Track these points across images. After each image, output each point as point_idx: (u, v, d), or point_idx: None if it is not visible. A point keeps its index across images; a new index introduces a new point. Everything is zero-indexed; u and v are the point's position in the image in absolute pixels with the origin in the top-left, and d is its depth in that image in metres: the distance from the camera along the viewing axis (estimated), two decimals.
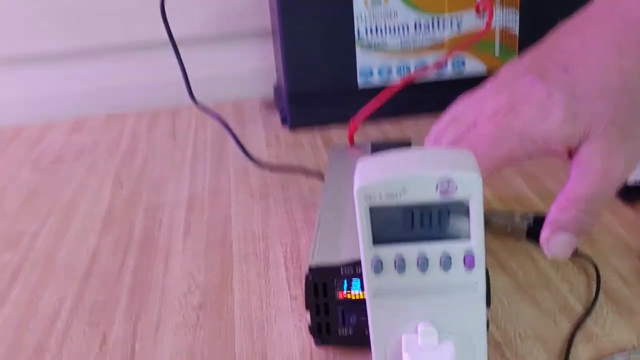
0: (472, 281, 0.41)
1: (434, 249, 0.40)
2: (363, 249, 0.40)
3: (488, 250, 0.41)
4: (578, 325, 0.50)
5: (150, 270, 0.63)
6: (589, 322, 0.50)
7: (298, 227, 0.68)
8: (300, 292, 0.57)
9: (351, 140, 0.68)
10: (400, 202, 0.39)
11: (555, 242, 0.44)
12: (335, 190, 0.57)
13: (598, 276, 0.54)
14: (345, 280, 0.47)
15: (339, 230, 0.51)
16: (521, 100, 0.42)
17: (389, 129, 0.91)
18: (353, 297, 0.47)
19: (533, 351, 0.48)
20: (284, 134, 0.93)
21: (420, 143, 0.61)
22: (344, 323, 0.48)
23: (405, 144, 0.65)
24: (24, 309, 0.59)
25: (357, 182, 0.39)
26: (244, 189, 0.77)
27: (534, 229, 0.61)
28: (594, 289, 0.53)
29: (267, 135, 0.93)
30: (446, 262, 0.40)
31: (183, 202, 0.76)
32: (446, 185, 0.38)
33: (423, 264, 0.40)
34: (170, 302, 0.57)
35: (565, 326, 0.50)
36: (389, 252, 0.41)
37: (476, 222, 0.39)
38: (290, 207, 0.72)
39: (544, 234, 0.44)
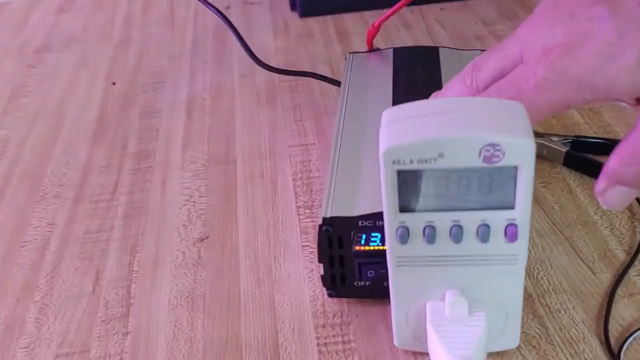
0: (512, 253, 0.35)
1: (470, 218, 0.35)
2: (387, 215, 0.35)
3: None
4: (620, 278, 0.45)
5: (146, 192, 0.58)
6: (633, 273, 0.45)
7: (309, 141, 0.62)
8: (311, 225, 0.52)
9: (370, 45, 0.60)
10: (435, 167, 0.33)
11: (612, 195, 0.38)
12: (353, 114, 0.51)
13: None
14: (364, 235, 0.42)
15: (358, 170, 0.45)
16: (583, 39, 0.35)
17: (410, 19, 0.82)
18: (372, 249, 0.42)
19: (569, 307, 0.44)
20: (294, 21, 0.84)
21: (448, 42, 0.53)
22: (360, 276, 0.43)
23: (432, 52, 0.57)
24: (10, 239, 0.54)
25: (384, 142, 0.33)
26: (249, 92, 0.70)
27: (573, 154, 0.55)
28: None
29: (274, 23, 0.84)
30: (484, 233, 0.35)
31: (182, 106, 0.69)
32: (491, 150, 0.32)
33: (457, 234, 0.35)
34: (169, 234, 0.53)
35: (606, 278, 0.46)
36: (417, 220, 0.35)
37: (524, 191, 0.33)
38: (300, 115, 0.66)
39: (601, 185, 0.38)
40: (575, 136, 0.57)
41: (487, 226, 0.34)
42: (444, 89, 0.43)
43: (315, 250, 0.43)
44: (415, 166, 0.33)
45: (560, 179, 0.54)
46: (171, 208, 0.56)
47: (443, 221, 0.35)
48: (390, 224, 0.35)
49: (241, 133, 0.64)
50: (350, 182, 0.43)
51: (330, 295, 0.45)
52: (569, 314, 0.43)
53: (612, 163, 0.37)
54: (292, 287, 0.47)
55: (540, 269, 0.46)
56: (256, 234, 0.52)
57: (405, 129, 0.33)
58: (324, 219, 0.41)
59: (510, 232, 0.34)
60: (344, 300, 0.46)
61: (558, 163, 0.56)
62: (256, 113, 0.67)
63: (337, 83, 0.63)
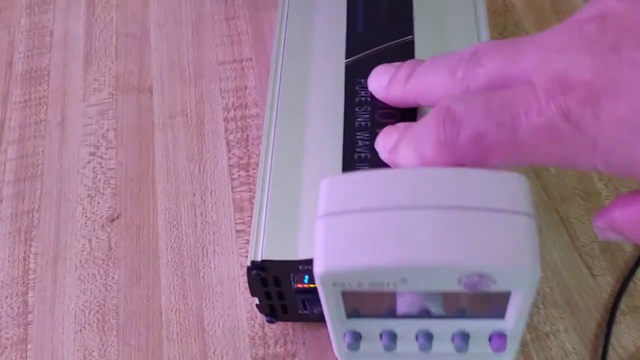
0: None
1: (443, 326, 0.26)
2: (331, 322, 0.26)
3: None
4: (625, 283, 0.38)
5: (40, 139, 0.47)
6: (639, 275, 0.38)
7: (244, 54, 0.50)
8: (247, 197, 0.43)
9: None
10: (395, 290, 0.23)
11: (611, 237, 0.30)
12: (292, 77, 0.39)
13: None
14: (306, 276, 0.33)
15: (297, 182, 0.34)
16: (619, 90, 0.24)
17: None
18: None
19: (560, 329, 0.37)
20: None
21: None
22: (305, 308, 0.36)
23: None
24: None
25: (320, 258, 0.23)
26: None
27: None
28: None
29: None
30: (461, 342, 0.26)
31: None
32: (476, 279, 0.23)
33: (424, 344, 0.26)
34: (71, 211, 0.44)
35: (607, 282, 0.38)
36: (371, 326, 0.26)
37: (519, 309, 0.24)
38: (233, 10, 0.53)
39: (600, 222, 0.30)
40: None
41: (466, 335, 0.26)
42: (424, 67, 0.32)
43: None
44: (366, 289, 0.23)
45: None
46: (72, 167, 0.46)
47: (406, 328, 0.26)
48: (335, 329, 0.26)
49: (157, 37, 0.51)
50: (288, 204, 0.33)
51: (270, 322, 0.37)
52: (559, 340, 0.36)
53: (618, 215, 0.28)
54: (225, 298, 0.39)
55: None
56: (179, 211, 0.43)
57: (350, 237, 0.23)
58: (253, 263, 0.32)
59: (497, 343, 0.26)
60: (289, 322, 0.38)
61: None
62: (176, 4, 0.54)
63: None
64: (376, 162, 0.33)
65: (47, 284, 0.41)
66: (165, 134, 0.46)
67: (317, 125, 0.36)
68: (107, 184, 0.44)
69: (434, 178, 0.24)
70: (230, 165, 0.44)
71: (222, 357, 0.37)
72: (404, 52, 0.39)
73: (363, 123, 0.36)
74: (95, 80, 0.50)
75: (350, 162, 0.34)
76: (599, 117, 0.24)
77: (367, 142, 0.35)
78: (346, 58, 0.39)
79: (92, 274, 0.41)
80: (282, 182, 0.34)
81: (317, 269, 0.23)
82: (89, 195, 0.44)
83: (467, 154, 0.27)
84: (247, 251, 0.38)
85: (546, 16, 0.49)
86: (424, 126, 0.29)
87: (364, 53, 0.39)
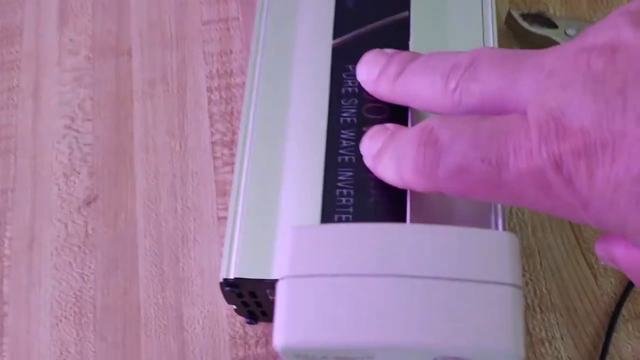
0: None
1: None
2: None
3: None
4: (629, 286, 0.36)
5: (13, 108, 0.45)
6: None
7: (230, 13, 0.47)
8: (231, 178, 0.41)
9: None
10: None
11: (611, 265, 0.28)
12: (272, 73, 0.36)
13: None
14: None
15: (274, 192, 0.32)
16: (618, 147, 0.21)
17: None
18: None
19: (556, 336, 0.36)
20: None
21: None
22: None
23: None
24: None
25: (281, 330, 0.21)
26: None
27: None
28: None
29: None
30: None
31: None
32: None
33: None
34: (47, 190, 0.42)
35: (610, 284, 0.36)
36: None
37: None
38: None
39: (601, 251, 0.28)
40: None
41: None
42: (416, 67, 0.29)
43: None
44: None
45: None
46: (47, 141, 0.43)
47: None
48: None
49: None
50: (265, 214, 0.31)
51: (250, 323, 0.36)
52: (555, 347, 0.35)
53: (622, 259, 0.26)
54: (205, 292, 0.38)
55: (526, 266, 0.37)
56: (159, 193, 0.41)
57: (315, 308, 0.21)
58: (226, 280, 0.30)
59: None
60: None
61: None
62: None
63: None
64: (360, 168, 0.31)
65: (22, 272, 0.39)
66: (145, 104, 0.44)
67: (298, 122, 0.33)
68: (84, 161, 0.42)
69: (409, 238, 0.21)
70: (212, 142, 0.42)
71: (202, 357, 0.36)
72: (399, 31, 0.35)
73: (349, 119, 0.33)
74: (70, 40, 0.47)
75: (333, 167, 0.32)
76: (593, 176, 0.21)
77: (352, 143, 0.32)
78: (334, 38, 0.35)
79: (68, 262, 0.39)
80: (258, 189, 0.32)
81: (277, 342, 0.21)
82: (64, 174, 0.42)
83: (447, 186, 0.25)
84: None
85: None
86: (408, 140, 0.26)
87: (354, 32, 0.35)
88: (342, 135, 0.32)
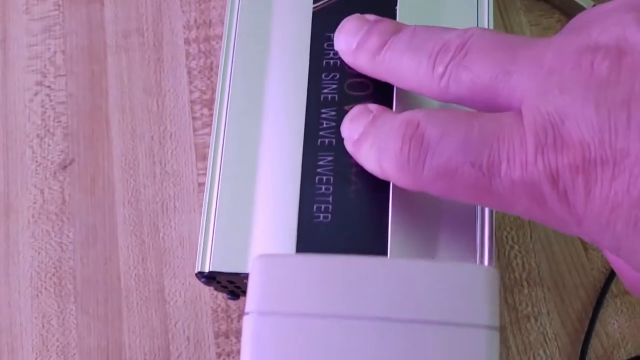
0: None
1: None
2: None
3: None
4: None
5: None
6: None
7: None
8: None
9: None
10: None
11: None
12: (247, 45, 0.33)
13: None
14: None
15: (251, 180, 0.31)
16: (621, 161, 0.19)
17: None
18: None
19: (542, 312, 0.35)
20: None
21: None
22: None
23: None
24: None
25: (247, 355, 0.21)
26: None
27: None
28: None
29: None
30: None
31: None
32: None
33: None
34: (20, 152, 0.41)
35: (601, 258, 0.36)
36: None
37: None
38: None
39: (608, 256, 0.27)
40: None
41: None
42: (399, 42, 0.27)
43: None
44: None
45: None
46: (18, 99, 0.42)
47: None
48: None
49: None
50: (241, 203, 0.30)
51: (231, 299, 0.36)
52: (541, 323, 0.35)
53: (613, 262, 0.26)
54: (187, 263, 0.38)
55: (516, 238, 0.36)
56: (136, 156, 0.40)
57: (281, 350, 0.20)
58: (201, 273, 0.30)
59: None
60: None
61: None
62: None
63: None
64: (341, 153, 0.30)
65: (0, 241, 0.39)
66: (119, 58, 0.42)
67: (275, 100, 0.32)
68: (58, 121, 0.41)
69: (382, 275, 0.20)
70: (191, 101, 0.40)
71: (184, 331, 0.36)
72: None
73: (329, 96, 0.31)
74: None
75: (312, 152, 0.30)
76: (590, 193, 0.20)
77: (333, 123, 0.31)
78: (314, 2, 0.33)
79: (46, 230, 0.39)
80: (234, 176, 0.30)
81: None
82: (38, 135, 0.41)
83: (432, 187, 0.24)
84: None
85: None
86: (391, 132, 0.25)
87: None
88: (322, 115, 0.31)
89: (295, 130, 0.31)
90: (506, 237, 0.36)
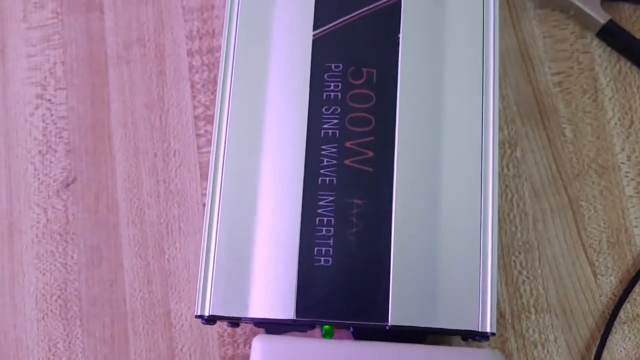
0: None
1: None
2: None
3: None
4: (629, 288, 0.37)
5: None
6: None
7: None
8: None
9: None
10: None
11: None
12: (246, 79, 0.35)
13: None
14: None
15: (250, 222, 0.33)
16: None
17: None
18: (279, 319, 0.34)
19: (549, 339, 0.37)
20: None
21: None
22: (268, 331, 0.36)
23: None
24: None
25: None
26: None
27: (616, 27, 0.39)
28: None
29: None
30: None
31: None
32: None
33: None
34: (22, 170, 0.42)
35: (609, 283, 0.37)
36: None
37: None
38: None
39: None
40: None
41: None
42: None
43: None
44: None
45: (585, 65, 0.40)
46: (19, 112, 0.44)
47: None
48: None
49: None
50: (240, 245, 0.32)
51: (231, 326, 0.38)
52: (548, 350, 0.37)
53: None
54: (192, 286, 0.40)
55: (524, 263, 0.38)
56: (140, 174, 0.42)
57: None
58: (201, 316, 0.32)
59: None
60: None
61: (589, 31, 0.40)
62: None
63: None
64: (342, 192, 0.31)
65: (4, 261, 0.41)
66: (120, 70, 0.43)
67: (275, 134, 0.33)
68: (60, 137, 0.42)
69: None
70: (195, 117, 0.42)
71: (190, 355, 0.38)
72: (388, 22, 0.34)
73: (330, 132, 0.33)
74: None
75: (313, 191, 0.32)
76: None
77: (334, 161, 0.32)
78: (315, 28, 0.34)
79: (51, 251, 0.41)
80: (233, 219, 0.32)
81: None
82: (40, 151, 0.42)
83: None
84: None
85: None
86: None
87: (337, 22, 0.34)
88: (323, 152, 0.32)
89: (296, 168, 0.32)
90: (514, 261, 0.37)
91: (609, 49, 0.39)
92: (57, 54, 0.43)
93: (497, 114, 0.32)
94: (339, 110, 0.32)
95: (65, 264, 0.40)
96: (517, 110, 0.39)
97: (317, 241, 0.31)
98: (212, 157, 0.32)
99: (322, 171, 0.32)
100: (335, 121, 0.32)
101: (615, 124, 0.38)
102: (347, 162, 0.31)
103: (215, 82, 0.42)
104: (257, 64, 0.34)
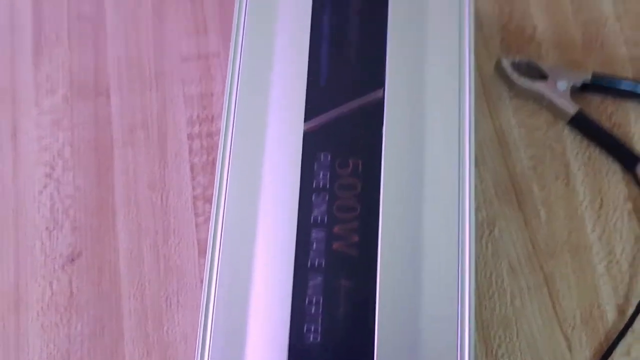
0: None
1: None
2: None
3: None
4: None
5: None
6: (619, 351, 0.40)
7: (210, 48, 0.48)
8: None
9: None
10: None
11: None
12: (242, 165, 0.38)
13: None
14: None
15: (244, 296, 0.35)
16: None
17: None
18: None
19: None
20: None
21: None
22: None
23: None
24: None
25: None
26: None
27: (586, 116, 0.43)
28: None
29: None
30: None
31: None
32: None
33: None
34: (30, 246, 0.45)
35: (584, 358, 0.40)
36: None
37: None
38: None
39: None
40: (597, 76, 0.43)
41: None
42: None
43: None
44: None
45: (558, 152, 0.43)
46: (28, 191, 0.47)
47: None
48: None
49: (113, 18, 0.49)
50: (233, 321, 0.35)
51: None
52: None
53: None
54: (189, 358, 0.42)
55: (503, 337, 0.40)
56: (141, 251, 0.44)
57: None
58: None
59: None
60: None
61: (561, 120, 0.44)
62: None
63: None
64: (330, 275, 0.34)
65: (9, 333, 0.44)
66: (125, 152, 0.46)
67: (268, 218, 0.36)
68: (66, 215, 0.45)
69: None
70: (194, 197, 0.45)
71: None
72: (373, 113, 0.37)
73: (319, 217, 0.36)
74: (47, 75, 0.49)
75: (303, 273, 0.35)
76: None
77: (322, 245, 0.35)
78: (305, 120, 0.38)
79: (55, 322, 0.43)
80: (228, 297, 0.35)
81: None
82: (47, 228, 0.45)
83: None
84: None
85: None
86: None
87: (326, 114, 0.38)
88: (313, 235, 0.35)
89: (287, 250, 0.35)
90: (494, 335, 0.40)
91: (579, 136, 0.42)
92: (65, 136, 0.47)
93: (473, 198, 0.35)
94: (327, 197, 0.35)
95: (69, 335, 0.43)
96: (495, 193, 0.42)
97: (306, 320, 0.33)
98: (210, 237, 0.35)
99: (311, 254, 0.35)
100: (323, 207, 0.35)
101: (587, 206, 0.42)
102: (334, 245, 0.34)
103: (213, 164, 0.45)
104: (253, 150, 0.37)
